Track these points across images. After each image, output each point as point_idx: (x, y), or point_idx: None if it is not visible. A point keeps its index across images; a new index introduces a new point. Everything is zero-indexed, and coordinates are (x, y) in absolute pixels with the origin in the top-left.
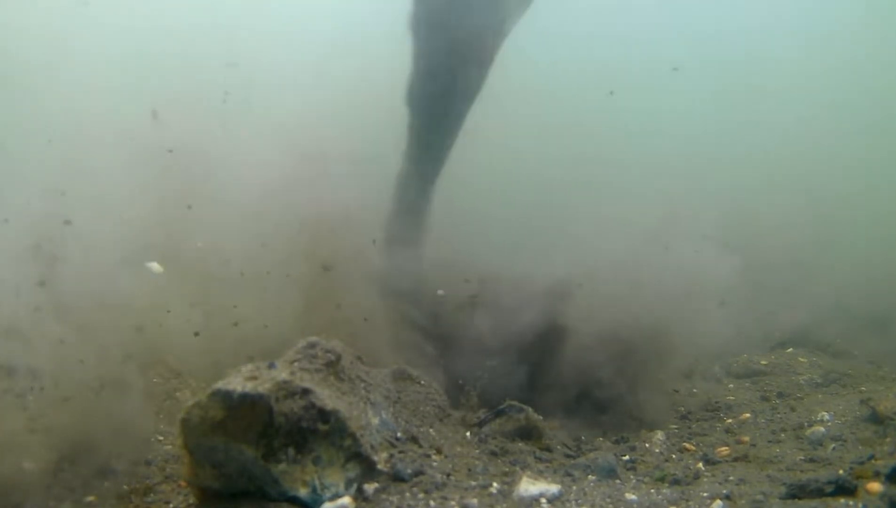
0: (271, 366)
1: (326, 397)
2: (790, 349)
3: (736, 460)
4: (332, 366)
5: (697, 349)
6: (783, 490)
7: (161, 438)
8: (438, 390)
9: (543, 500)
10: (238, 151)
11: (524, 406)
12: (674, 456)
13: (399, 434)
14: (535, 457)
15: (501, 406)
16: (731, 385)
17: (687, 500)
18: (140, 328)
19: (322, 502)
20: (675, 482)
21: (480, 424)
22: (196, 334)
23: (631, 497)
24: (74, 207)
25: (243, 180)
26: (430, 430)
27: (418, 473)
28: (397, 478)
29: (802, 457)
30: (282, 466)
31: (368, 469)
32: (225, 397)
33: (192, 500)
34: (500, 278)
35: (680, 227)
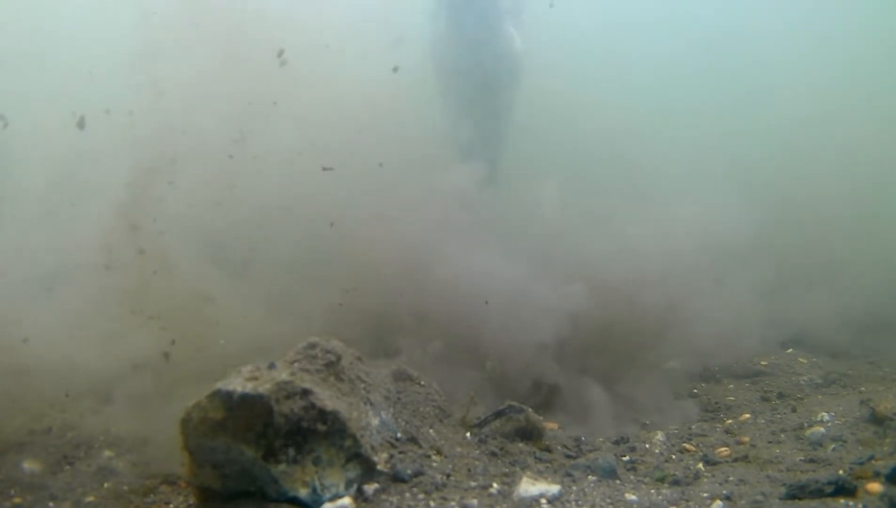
0: (271, 366)
1: (326, 397)
2: (790, 350)
3: (736, 460)
4: (333, 367)
5: (697, 349)
6: (783, 490)
7: None
8: (438, 390)
9: (543, 500)
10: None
11: (524, 407)
12: (674, 457)
13: (399, 435)
14: (535, 458)
15: (501, 407)
16: (731, 386)
17: (687, 500)
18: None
19: (322, 502)
20: (675, 482)
21: (480, 424)
22: None
23: (631, 497)
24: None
25: None
26: (430, 431)
27: (418, 473)
28: (397, 479)
29: (802, 458)
30: (282, 466)
31: (368, 470)
32: (225, 397)
33: (192, 500)
34: None
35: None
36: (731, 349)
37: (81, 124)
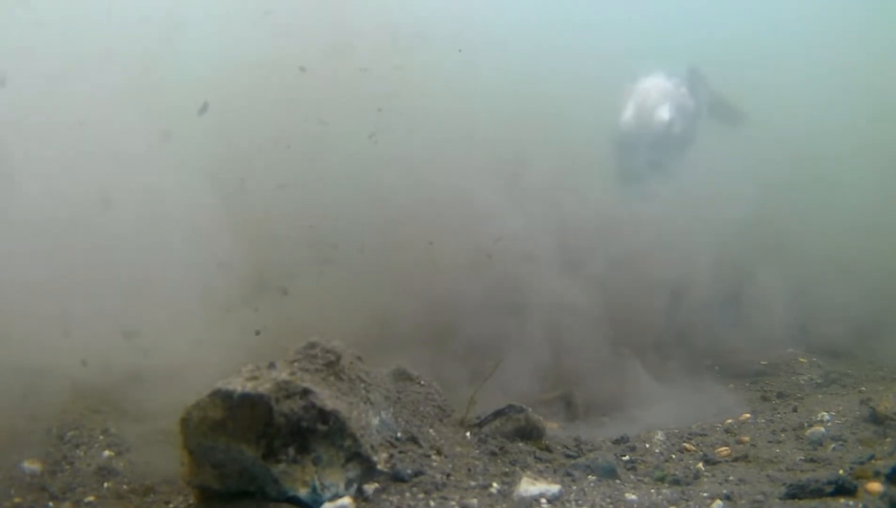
0: (272, 366)
1: (326, 397)
2: (790, 349)
3: (736, 460)
4: (332, 366)
5: (698, 349)
6: (783, 490)
7: None
8: (438, 389)
9: (543, 500)
10: None
11: (524, 406)
12: (674, 456)
13: (399, 435)
14: (535, 457)
15: (501, 407)
16: (731, 385)
17: (687, 500)
18: None
19: (322, 502)
20: (675, 482)
21: (480, 424)
22: None
23: (631, 497)
24: None
25: None
26: (430, 430)
27: (418, 473)
28: (397, 478)
29: (802, 457)
30: (282, 466)
31: (368, 470)
32: (225, 397)
33: (192, 500)
34: None
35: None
36: (736, 348)
37: (204, 110)
